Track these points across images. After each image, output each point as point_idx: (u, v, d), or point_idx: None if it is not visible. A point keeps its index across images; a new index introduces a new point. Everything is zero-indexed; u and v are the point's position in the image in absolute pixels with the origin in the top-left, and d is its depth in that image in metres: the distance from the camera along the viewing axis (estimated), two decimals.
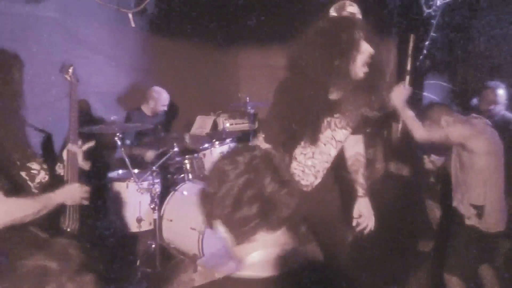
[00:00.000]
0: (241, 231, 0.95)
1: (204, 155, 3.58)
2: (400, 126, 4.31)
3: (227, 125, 4.46)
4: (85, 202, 1.77)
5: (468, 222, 2.35)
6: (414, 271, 3.12)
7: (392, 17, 4.22)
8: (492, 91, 3.23)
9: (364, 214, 2.02)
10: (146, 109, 3.77)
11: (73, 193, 1.69)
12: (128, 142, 3.50)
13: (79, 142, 1.90)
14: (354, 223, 2.04)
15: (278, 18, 4.85)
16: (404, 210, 3.60)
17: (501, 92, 3.22)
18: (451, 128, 2.36)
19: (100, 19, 3.77)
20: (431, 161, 3.38)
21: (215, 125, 4.54)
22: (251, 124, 4.25)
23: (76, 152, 1.86)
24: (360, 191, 2.08)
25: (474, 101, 3.46)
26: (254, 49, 5.59)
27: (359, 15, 3.45)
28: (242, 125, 4.53)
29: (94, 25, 3.74)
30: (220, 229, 0.99)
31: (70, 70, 2.00)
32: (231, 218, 0.94)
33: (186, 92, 4.51)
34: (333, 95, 1.85)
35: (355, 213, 2.05)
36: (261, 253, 0.96)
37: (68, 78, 1.99)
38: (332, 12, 3.44)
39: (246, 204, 0.92)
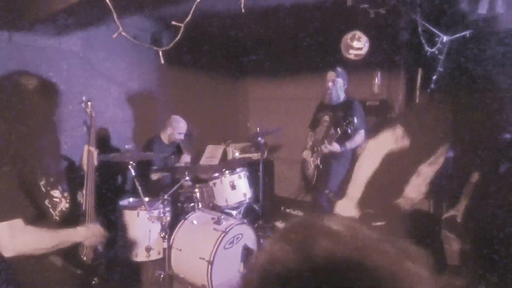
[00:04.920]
0: None
1: (214, 184, 3.61)
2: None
3: (237, 154, 4.51)
4: (99, 247, 1.78)
5: None
6: None
7: (401, 52, 4.33)
8: None
9: None
10: (164, 137, 3.87)
11: (92, 234, 1.71)
12: (155, 167, 3.61)
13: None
14: None
15: (287, 52, 5.00)
16: (418, 241, 3.54)
17: None
18: None
19: (119, 52, 3.95)
20: None
21: (224, 154, 4.59)
22: (260, 154, 4.29)
23: (93, 152, 2.03)
24: None
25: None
26: (263, 82, 5.73)
27: (367, 45, 3.56)
28: (252, 154, 4.58)
29: (113, 58, 3.91)
30: None
31: (90, 104, 2.17)
32: None
33: (197, 122, 4.61)
34: None
35: None
36: None
37: (88, 112, 2.15)
38: (346, 40, 3.57)
39: None
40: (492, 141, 3.14)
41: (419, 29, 3.52)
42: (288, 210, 4.83)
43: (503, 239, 2.68)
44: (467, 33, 3.62)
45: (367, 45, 3.61)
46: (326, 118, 3.86)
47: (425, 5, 3.56)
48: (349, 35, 3.62)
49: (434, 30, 3.47)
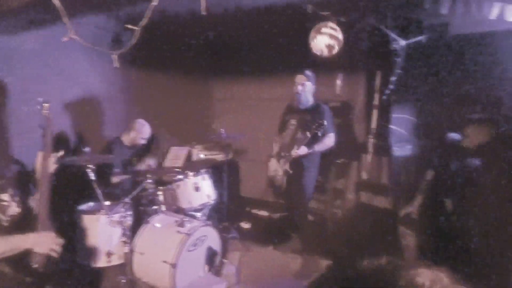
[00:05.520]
0: None
1: (178, 186, 3.57)
2: (369, 157, 4.48)
3: (201, 156, 4.49)
4: (54, 254, 1.70)
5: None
6: None
7: (361, 55, 4.45)
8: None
9: None
10: (126, 139, 3.78)
11: (44, 241, 1.63)
12: (117, 170, 3.52)
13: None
14: None
15: (252, 53, 5.03)
16: (376, 238, 3.68)
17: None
18: None
19: (79, 52, 3.81)
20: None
21: (189, 156, 4.55)
22: (225, 155, 4.30)
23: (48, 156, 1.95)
24: None
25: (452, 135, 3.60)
26: (229, 82, 5.73)
27: (339, 34, 3.47)
28: (217, 155, 4.56)
29: (73, 57, 3.77)
30: None
31: (46, 105, 2.10)
32: None
33: (161, 123, 4.54)
34: None
35: None
36: None
37: (45, 114, 2.09)
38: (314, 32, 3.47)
39: None
40: (443, 141, 3.31)
41: (379, 32, 3.65)
42: (253, 211, 4.86)
43: (457, 233, 2.84)
44: (422, 38, 3.79)
45: (339, 39, 3.42)
46: (293, 121, 3.77)
47: (384, 11, 3.69)
48: (318, 26, 3.43)
49: (392, 34, 3.60)
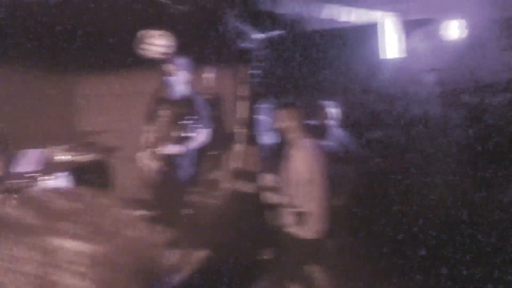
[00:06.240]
0: None
1: (29, 193, 3.22)
2: (239, 146, 4.69)
3: (62, 157, 4.12)
4: None
5: (288, 229, 2.67)
6: (257, 278, 3.38)
7: (224, 48, 4.60)
8: (323, 108, 3.60)
9: None
10: None
11: None
12: None
13: None
14: None
15: (114, 45, 4.79)
16: (248, 222, 3.88)
17: (333, 109, 3.60)
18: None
19: None
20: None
21: (45, 158, 4.13)
22: (89, 155, 4.02)
23: None
24: None
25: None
26: (93, 77, 5.37)
27: (170, 46, 3.49)
28: (79, 156, 4.24)
29: None
30: None
31: None
32: None
33: (11, 123, 4.03)
34: None
35: None
36: None
37: None
38: (142, 39, 3.45)
39: None
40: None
41: (235, 26, 3.82)
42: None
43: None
44: (276, 32, 4.10)
45: (166, 44, 3.39)
46: (165, 113, 3.59)
47: (239, 5, 3.86)
48: (144, 34, 3.41)
49: (246, 28, 3.80)
